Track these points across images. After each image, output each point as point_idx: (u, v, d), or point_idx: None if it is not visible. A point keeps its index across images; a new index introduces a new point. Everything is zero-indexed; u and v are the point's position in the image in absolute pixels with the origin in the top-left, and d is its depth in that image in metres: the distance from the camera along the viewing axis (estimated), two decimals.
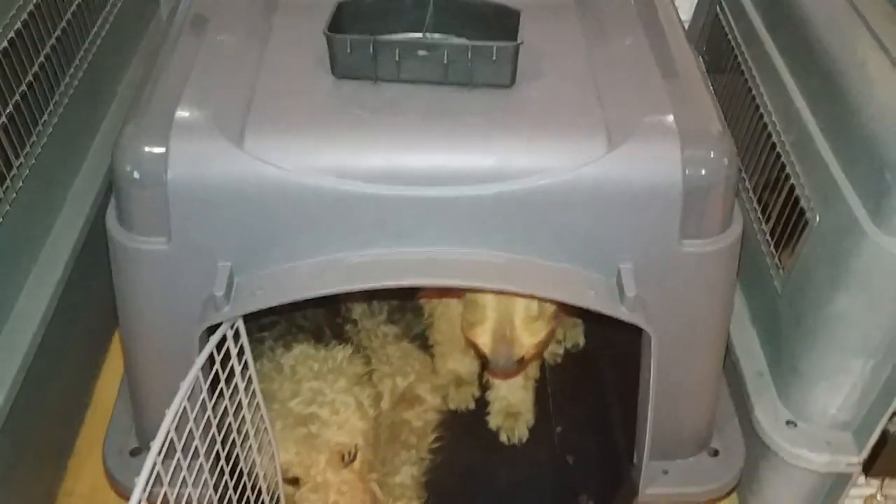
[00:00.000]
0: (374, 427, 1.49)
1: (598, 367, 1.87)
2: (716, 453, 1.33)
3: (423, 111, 1.12)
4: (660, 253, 1.13)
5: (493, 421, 1.81)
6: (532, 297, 1.27)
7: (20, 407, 1.44)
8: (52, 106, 1.63)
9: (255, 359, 1.49)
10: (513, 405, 1.81)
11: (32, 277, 1.55)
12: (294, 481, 1.40)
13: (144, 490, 0.89)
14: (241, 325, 1.16)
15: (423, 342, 1.84)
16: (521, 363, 1.35)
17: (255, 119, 1.11)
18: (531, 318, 1.32)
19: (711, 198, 1.11)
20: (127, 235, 1.14)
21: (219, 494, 1.24)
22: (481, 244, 1.11)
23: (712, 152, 1.10)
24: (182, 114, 1.11)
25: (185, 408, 1.01)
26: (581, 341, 1.93)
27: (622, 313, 1.12)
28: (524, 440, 1.79)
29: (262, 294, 1.11)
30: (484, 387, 1.85)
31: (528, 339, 1.32)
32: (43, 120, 1.59)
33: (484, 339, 1.32)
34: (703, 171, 1.09)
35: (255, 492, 1.36)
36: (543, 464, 1.78)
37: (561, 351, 1.92)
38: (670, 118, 1.11)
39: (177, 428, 0.97)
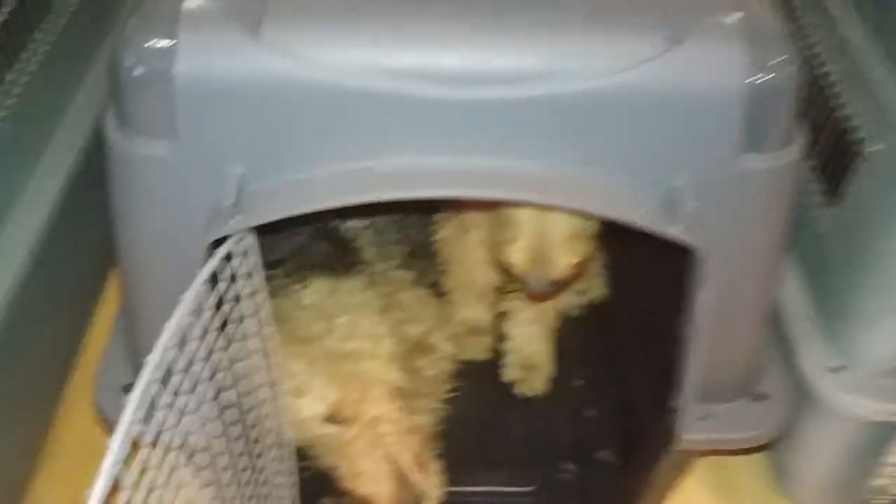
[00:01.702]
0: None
1: (621, 319, 1.77)
2: (761, 397, 1.23)
3: (462, 3, 1.01)
4: (716, 167, 1.02)
5: (509, 373, 1.71)
6: (574, 213, 1.19)
7: (6, 344, 1.33)
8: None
9: (270, 297, 1.39)
10: (530, 356, 1.71)
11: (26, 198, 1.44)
12: (341, 421, 1.31)
13: (135, 420, 0.78)
14: (252, 240, 1.05)
15: (440, 291, 1.74)
16: (557, 286, 1.27)
17: (274, 7, 1.00)
18: (570, 237, 1.24)
19: (776, 107, 1.00)
20: (128, 139, 1.02)
21: (223, 433, 1.13)
22: (522, 153, 1.01)
23: (779, 57, 1.00)
24: (191, 3, 1.00)
25: (184, 333, 0.91)
26: (602, 293, 1.83)
27: (676, 231, 1.01)
28: (541, 393, 1.70)
29: (276, 203, 1.00)
30: (500, 337, 1.76)
31: (565, 259, 1.24)
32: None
33: (518, 258, 1.25)
34: (769, 77, 0.99)
35: (264, 435, 1.26)
36: (561, 418, 1.69)
37: (583, 302, 1.82)
38: (734, 17, 1.00)
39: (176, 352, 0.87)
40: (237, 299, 1.06)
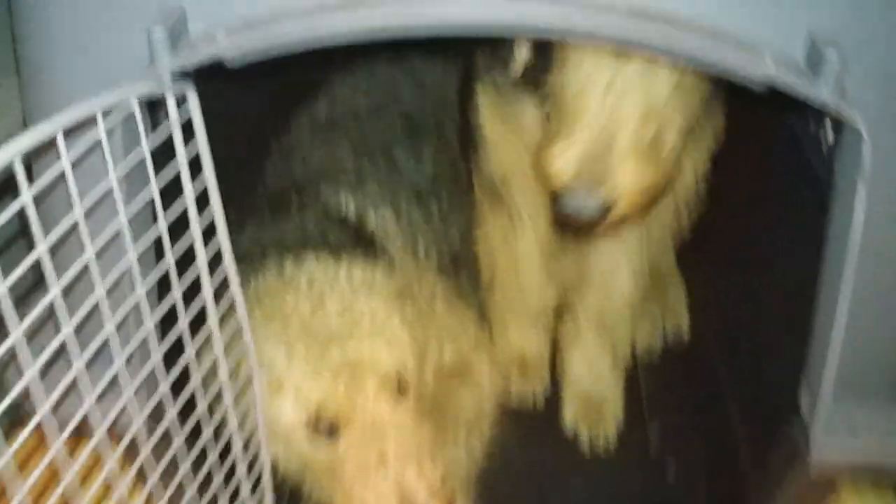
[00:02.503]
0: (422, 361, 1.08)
1: (706, 352, 1.42)
2: None
3: None
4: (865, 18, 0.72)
5: (569, 413, 1.36)
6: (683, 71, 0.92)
7: None
8: None
9: (252, 273, 1.09)
10: (593, 395, 1.36)
11: None
12: (329, 430, 0.98)
13: None
14: (191, 95, 0.75)
15: (482, 310, 1.42)
16: (608, 217, 0.94)
17: None
18: (640, 147, 0.92)
19: None
20: None
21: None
22: None
23: None
24: None
25: None
26: (684, 323, 1.48)
27: (818, 94, 0.70)
28: (610, 440, 1.34)
29: (226, 37, 0.72)
30: (555, 370, 1.41)
31: (627, 176, 0.92)
32: None
33: (566, 160, 0.93)
34: None
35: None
36: (634, 471, 1.32)
37: (658, 333, 1.47)
38: None
39: None
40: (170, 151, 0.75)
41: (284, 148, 1.38)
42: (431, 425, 1.00)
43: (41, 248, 0.59)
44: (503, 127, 1.20)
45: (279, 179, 1.32)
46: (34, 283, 0.69)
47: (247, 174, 1.32)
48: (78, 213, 0.63)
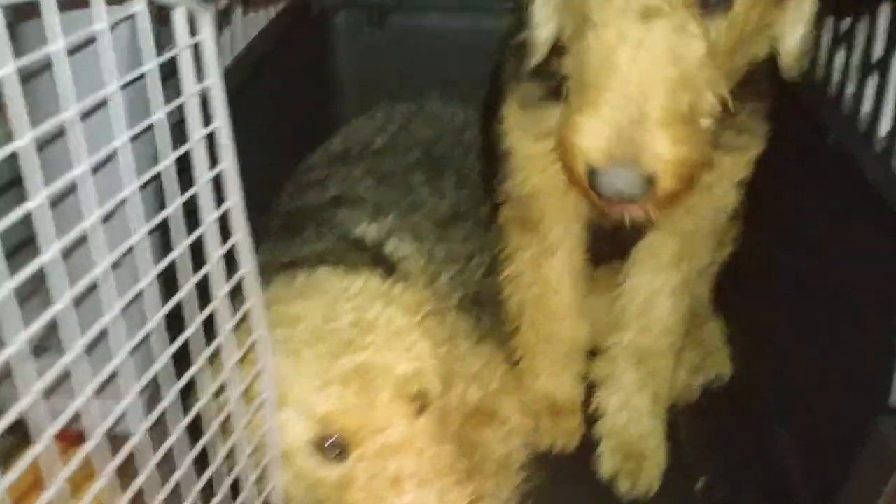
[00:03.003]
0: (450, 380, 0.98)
1: (751, 398, 1.31)
2: None
3: None
4: None
5: (608, 463, 1.24)
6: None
7: None
8: None
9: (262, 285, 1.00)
10: (634, 441, 1.25)
11: None
12: (338, 448, 0.87)
13: None
14: (204, 20, 0.67)
15: (511, 351, 1.32)
16: (654, 194, 0.85)
17: None
18: (676, 115, 0.84)
19: None
20: None
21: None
22: None
23: None
24: None
25: None
26: (727, 371, 1.38)
27: None
28: (652, 492, 1.21)
29: None
30: (590, 417, 1.30)
31: (666, 145, 0.83)
32: None
33: (596, 135, 0.84)
34: None
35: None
36: None
37: (700, 382, 1.36)
38: None
39: None
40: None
41: (302, 175, 1.32)
42: (455, 451, 0.89)
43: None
44: (533, 144, 1.12)
45: (296, 204, 1.25)
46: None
47: (263, 197, 1.25)
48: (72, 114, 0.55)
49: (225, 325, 0.77)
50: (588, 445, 1.28)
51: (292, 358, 0.88)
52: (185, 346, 0.74)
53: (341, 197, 1.24)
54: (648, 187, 0.84)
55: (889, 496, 0.77)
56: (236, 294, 0.81)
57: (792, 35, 0.95)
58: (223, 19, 1.12)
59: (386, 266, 1.11)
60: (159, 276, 0.68)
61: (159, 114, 0.64)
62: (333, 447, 0.87)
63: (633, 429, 1.24)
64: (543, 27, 0.98)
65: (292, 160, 1.39)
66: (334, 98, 1.66)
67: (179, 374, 0.73)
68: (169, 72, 0.66)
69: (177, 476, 0.74)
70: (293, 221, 1.16)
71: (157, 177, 0.67)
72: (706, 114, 0.88)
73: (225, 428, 0.82)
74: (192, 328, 0.73)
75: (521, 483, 1.19)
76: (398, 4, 1.61)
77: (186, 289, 0.72)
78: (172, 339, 0.72)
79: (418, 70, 1.54)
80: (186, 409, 0.75)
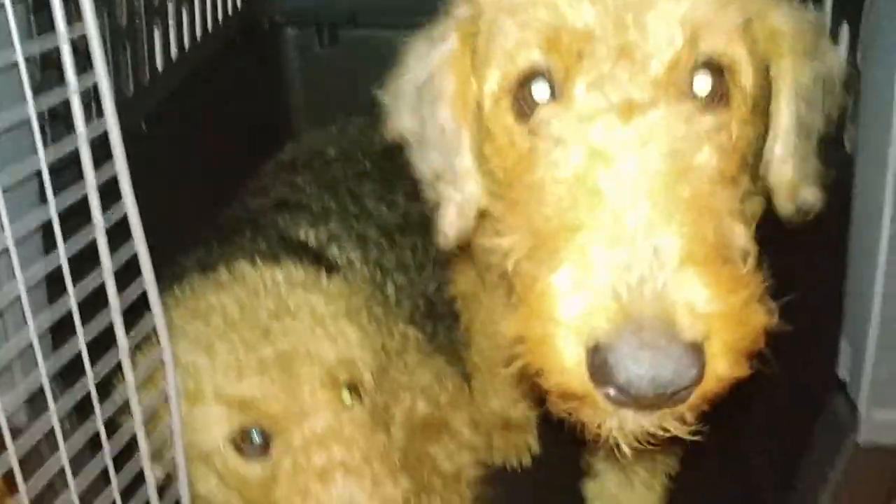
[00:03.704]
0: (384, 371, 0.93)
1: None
2: None
3: None
4: None
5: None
6: None
7: None
8: None
9: (170, 283, 0.94)
10: None
11: None
12: (262, 448, 0.82)
13: None
14: None
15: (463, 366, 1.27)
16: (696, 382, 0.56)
17: None
18: (709, 251, 0.59)
19: None
20: None
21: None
22: None
23: None
24: None
25: None
26: None
27: None
28: None
29: None
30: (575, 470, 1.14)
31: (712, 295, 0.56)
32: None
33: (593, 294, 0.57)
34: None
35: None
36: None
37: None
38: None
39: None
40: None
41: (248, 184, 1.29)
42: (389, 442, 0.85)
43: None
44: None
45: (234, 211, 1.21)
46: None
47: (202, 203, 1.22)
48: None
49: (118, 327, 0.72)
50: (541, 461, 1.23)
51: (206, 351, 0.84)
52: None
53: (283, 202, 1.21)
54: (696, 366, 0.55)
55: (842, 467, 0.73)
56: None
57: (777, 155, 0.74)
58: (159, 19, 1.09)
59: (327, 269, 1.07)
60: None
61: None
62: (254, 444, 0.82)
63: (624, 498, 1.10)
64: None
65: (241, 172, 1.35)
66: (286, 112, 1.63)
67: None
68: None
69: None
70: (230, 226, 1.12)
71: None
72: (741, 251, 0.63)
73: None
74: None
75: (472, 499, 1.14)
76: (349, 19, 1.60)
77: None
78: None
79: (370, 84, 1.51)
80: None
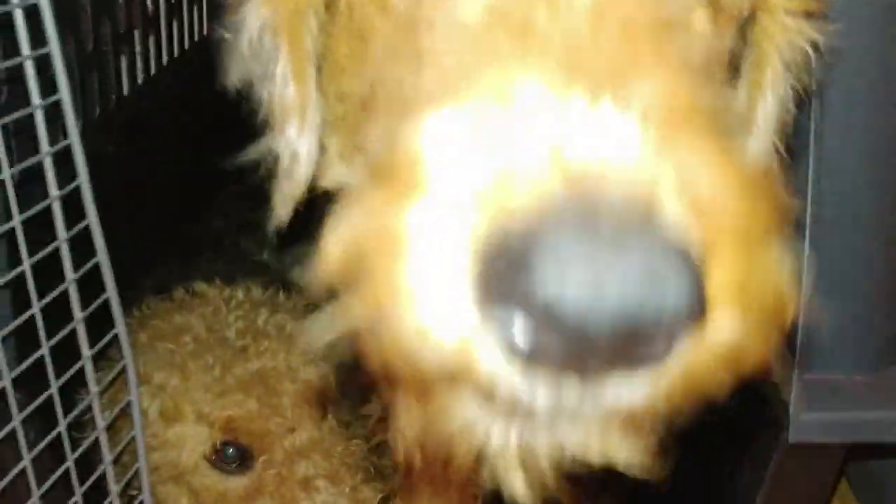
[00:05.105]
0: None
1: None
2: None
3: None
4: None
5: None
6: None
7: None
8: None
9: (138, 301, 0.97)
10: None
11: None
12: (239, 463, 0.84)
13: None
14: None
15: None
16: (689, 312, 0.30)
17: None
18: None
19: None
20: None
21: None
22: None
23: None
24: None
25: None
26: None
27: None
28: None
29: None
30: None
31: (699, 174, 0.31)
32: None
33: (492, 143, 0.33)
34: None
35: None
36: None
37: None
38: None
39: None
40: None
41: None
42: (363, 442, 0.88)
43: None
44: None
45: (196, 232, 1.24)
46: None
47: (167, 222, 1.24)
48: None
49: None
50: None
51: (179, 371, 0.86)
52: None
53: (247, 225, 1.23)
54: (692, 284, 0.31)
55: (775, 465, 0.76)
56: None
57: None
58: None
59: (288, 290, 1.10)
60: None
61: None
62: (231, 459, 0.84)
63: None
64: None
65: (208, 192, 1.37)
66: (253, 136, 1.64)
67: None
68: None
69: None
70: (190, 246, 1.15)
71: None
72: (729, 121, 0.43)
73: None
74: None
75: None
76: None
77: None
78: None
79: None
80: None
